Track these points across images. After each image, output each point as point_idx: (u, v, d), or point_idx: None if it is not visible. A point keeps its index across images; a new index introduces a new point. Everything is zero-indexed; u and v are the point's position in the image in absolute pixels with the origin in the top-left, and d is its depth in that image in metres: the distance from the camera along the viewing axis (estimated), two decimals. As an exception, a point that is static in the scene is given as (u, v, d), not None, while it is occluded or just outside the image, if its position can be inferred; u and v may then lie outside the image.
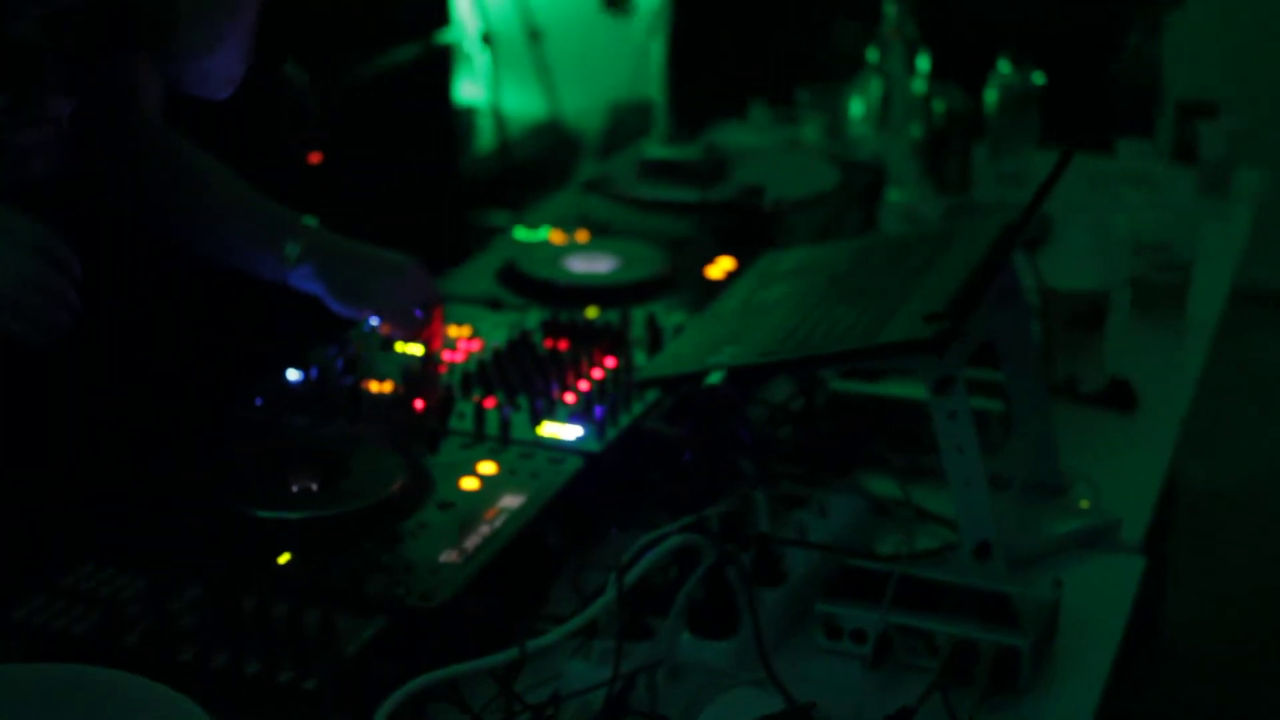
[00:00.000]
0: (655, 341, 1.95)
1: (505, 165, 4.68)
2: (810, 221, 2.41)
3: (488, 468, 1.68)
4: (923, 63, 2.94)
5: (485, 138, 5.09)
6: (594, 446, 1.72)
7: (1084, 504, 1.80)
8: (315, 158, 2.12)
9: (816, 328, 1.66)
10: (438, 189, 4.40)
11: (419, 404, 1.81)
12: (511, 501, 1.63)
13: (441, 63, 4.47)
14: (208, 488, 1.63)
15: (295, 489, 1.63)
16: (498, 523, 1.59)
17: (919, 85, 2.92)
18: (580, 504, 1.69)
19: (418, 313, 1.89)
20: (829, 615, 1.55)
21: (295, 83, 2.04)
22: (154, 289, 1.91)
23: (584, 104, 5.22)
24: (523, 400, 1.81)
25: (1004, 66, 2.84)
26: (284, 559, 1.52)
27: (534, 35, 5.06)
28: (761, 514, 1.59)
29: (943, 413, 1.61)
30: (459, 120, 4.77)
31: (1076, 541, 1.75)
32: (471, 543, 1.55)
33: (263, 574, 1.49)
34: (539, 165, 5.00)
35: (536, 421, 1.77)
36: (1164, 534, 3.09)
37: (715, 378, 1.61)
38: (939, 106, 2.81)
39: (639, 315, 2.02)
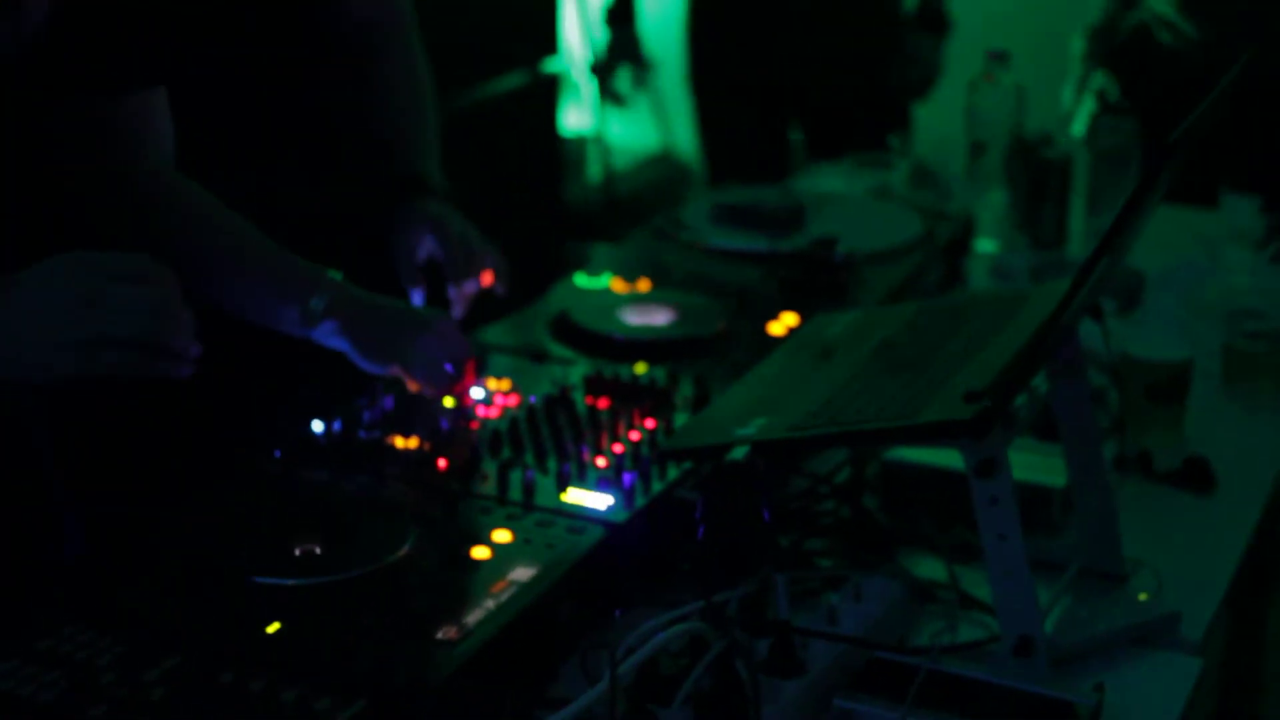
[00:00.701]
0: (702, 402, 1.86)
1: (609, 196, 4.61)
2: (887, 275, 2.30)
3: (502, 536, 1.60)
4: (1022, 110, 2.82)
5: (596, 168, 5.03)
6: (618, 516, 1.63)
7: (1143, 596, 1.68)
8: (487, 279, 2.07)
9: (854, 401, 1.57)
10: (541, 219, 4.34)
11: (442, 463, 1.73)
12: (522, 574, 1.54)
13: (548, 91, 4.42)
14: (208, 547, 1.56)
15: (298, 552, 1.56)
16: (504, 597, 1.51)
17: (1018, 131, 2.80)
18: (600, 575, 1.60)
19: (448, 368, 1.82)
20: (846, 712, 1.45)
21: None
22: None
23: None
24: (552, 463, 1.73)
25: (1105, 118, 2.71)
26: (273, 629, 1.44)
27: (646, 65, 4.98)
28: (781, 599, 1.49)
29: (984, 498, 1.50)
30: (566, 149, 4.71)
31: (1130, 637, 1.63)
32: (473, 618, 1.47)
33: (247, 644, 1.42)
34: (648, 197, 4.93)
35: (563, 486, 1.69)
36: (1260, 624, 2.93)
37: (740, 452, 1.52)
38: (1036, 156, 2.69)
39: (689, 374, 1.94)
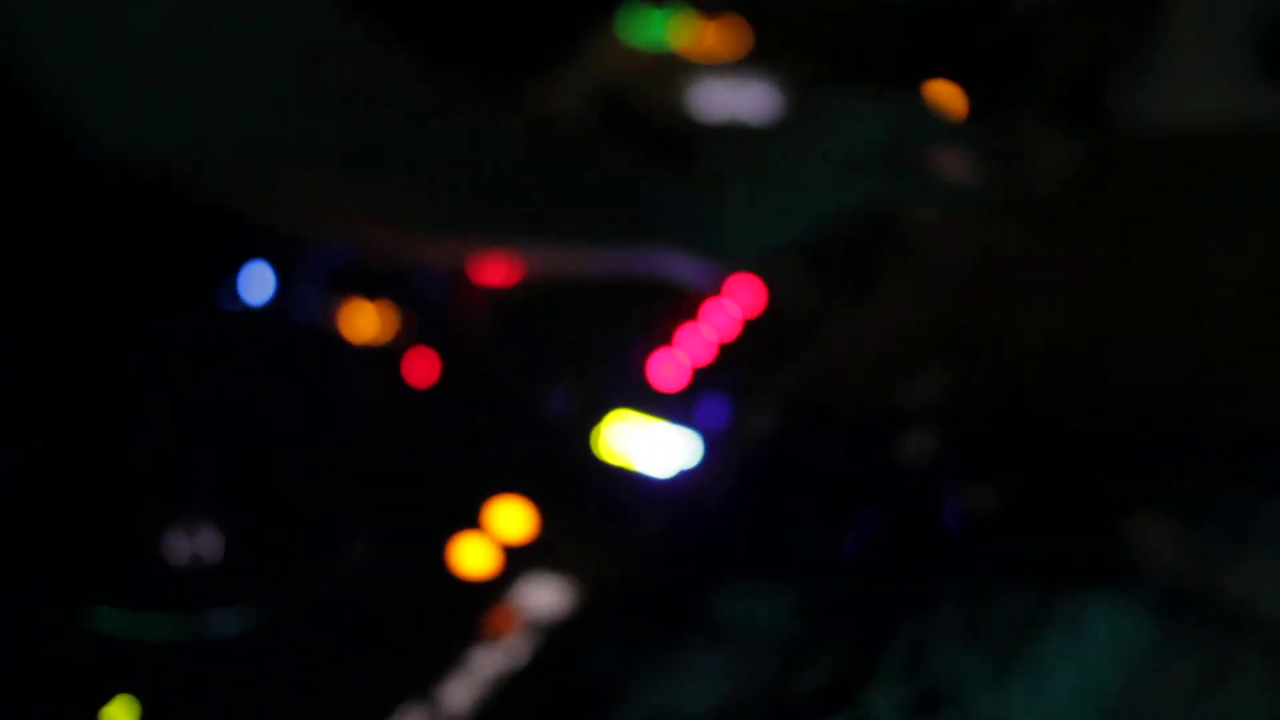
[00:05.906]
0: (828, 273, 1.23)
1: None
2: (1070, 34, 1.65)
3: (512, 524, 1.00)
4: None
5: None
6: (695, 487, 1.03)
7: None
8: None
9: (1093, 354, 0.94)
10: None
11: (416, 375, 1.11)
12: (543, 599, 0.95)
13: None
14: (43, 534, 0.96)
15: (183, 550, 0.96)
16: (514, 647, 0.91)
17: None
18: (667, 584, 1.01)
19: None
20: None
21: None
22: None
23: None
24: (592, 373, 1.12)
25: None
26: (113, 715, 0.86)
27: None
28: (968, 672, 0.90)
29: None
30: None
31: None
32: (459, 695, 0.88)
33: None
34: None
35: (609, 419, 1.08)
36: None
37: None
38: None
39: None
